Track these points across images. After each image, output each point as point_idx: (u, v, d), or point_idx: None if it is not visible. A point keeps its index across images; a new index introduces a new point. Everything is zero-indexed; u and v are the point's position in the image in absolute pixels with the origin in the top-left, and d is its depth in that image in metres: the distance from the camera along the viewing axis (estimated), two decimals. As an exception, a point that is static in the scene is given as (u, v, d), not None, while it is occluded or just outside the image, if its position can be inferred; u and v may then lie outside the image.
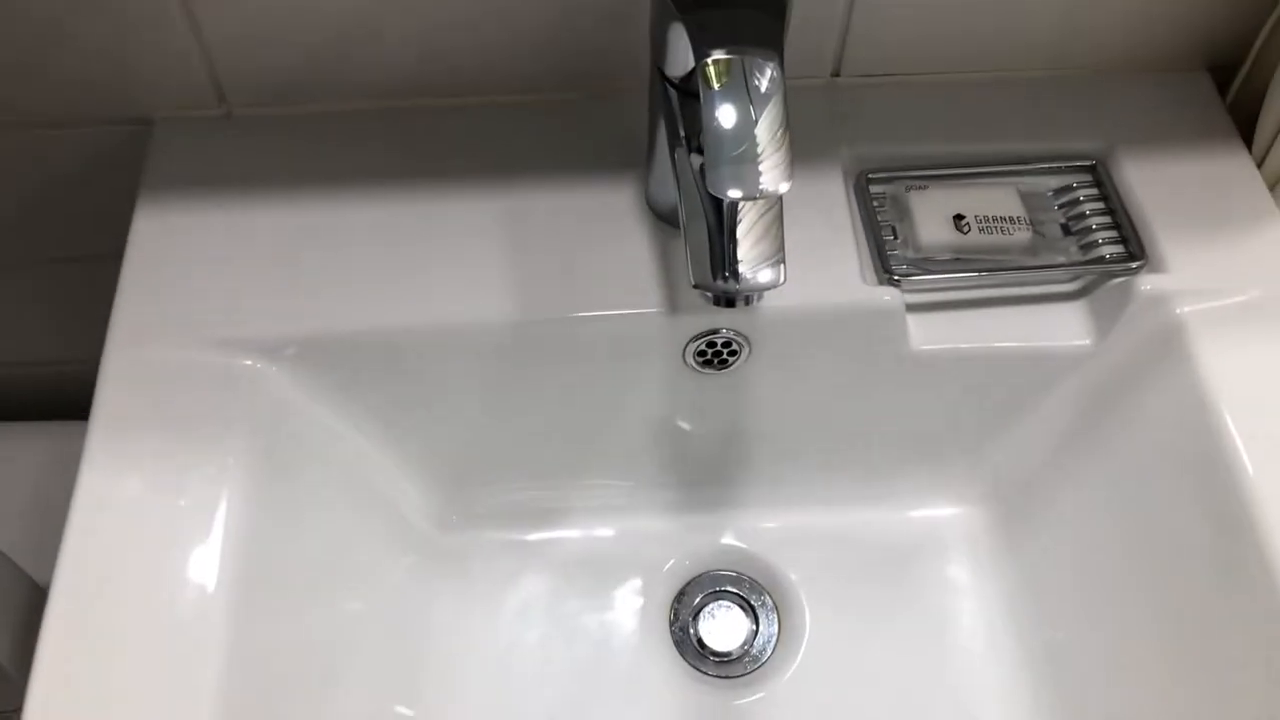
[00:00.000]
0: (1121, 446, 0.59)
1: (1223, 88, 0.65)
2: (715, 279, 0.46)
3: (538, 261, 0.57)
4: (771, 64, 0.42)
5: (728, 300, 0.47)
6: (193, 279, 0.56)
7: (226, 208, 0.59)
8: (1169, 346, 0.56)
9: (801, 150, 0.60)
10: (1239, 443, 0.52)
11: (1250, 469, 0.51)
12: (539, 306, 0.56)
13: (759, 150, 0.41)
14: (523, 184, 0.60)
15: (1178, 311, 0.56)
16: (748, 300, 0.47)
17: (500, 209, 0.59)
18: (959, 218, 0.59)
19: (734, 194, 0.41)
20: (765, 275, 0.46)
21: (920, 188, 0.61)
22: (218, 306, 0.56)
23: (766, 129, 0.41)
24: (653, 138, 0.55)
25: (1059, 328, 0.60)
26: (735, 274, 0.46)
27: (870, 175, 0.61)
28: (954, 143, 0.63)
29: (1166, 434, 0.56)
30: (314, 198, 0.60)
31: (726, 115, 0.41)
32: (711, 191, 0.41)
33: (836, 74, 0.65)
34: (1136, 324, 0.58)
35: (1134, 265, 0.58)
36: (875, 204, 0.61)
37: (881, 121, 0.63)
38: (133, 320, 0.55)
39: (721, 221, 0.46)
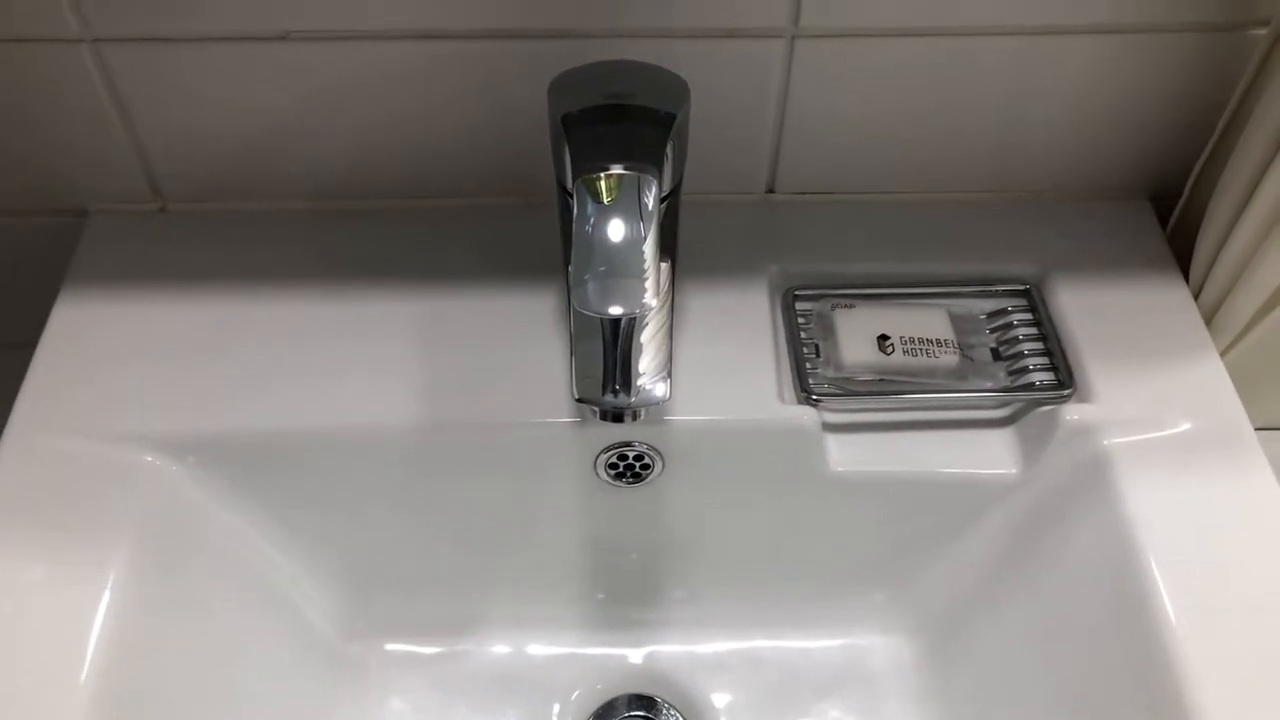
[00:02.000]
0: (1047, 580, 0.56)
1: (1164, 217, 0.64)
2: (602, 394, 0.45)
3: (452, 367, 0.57)
4: (649, 180, 0.42)
5: (615, 415, 0.46)
6: (104, 370, 0.56)
7: (149, 301, 0.59)
8: (1094, 479, 0.54)
9: (729, 265, 0.60)
10: (1160, 585, 0.50)
11: (1171, 613, 0.49)
12: (450, 412, 0.56)
13: (626, 266, 0.40)
14: (445, 288, 0.60)
15: (1105, 443, 0.54)
16: (635, 416, 0.46)
17: (420, 312, 0.59)
18: (883, 338, 0.58)
19: (593, 311, 0.40)
20: (651, 391, 0.45)
21: (847, 306, 0.60)
22: (125, 399, 0.55)
23: (634, 244, 0.40)
24: (565, 251, 0.55)
25: (984, 455, 0.58)
26: (622, 388, 0.45)
27: (797, 292, 0.61)
28: (886, 262, 0.62)
29: (1090, 570, 0.54)
30: (236, 295, 0.59)
31: (598, 225, 0.41)
32: (574, 304, 0.40)
33: (771, 190, 0.64)
34: (1063, 454, 0.56)
35: (1063, 394, 0.56)
36: (800, 321, 0.60)
37: (813, 238, 0.63)
38: (36, 407, 0.55)
39: (609, 339, 0.45)
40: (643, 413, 0.46)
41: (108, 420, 0.54)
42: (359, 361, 0.57)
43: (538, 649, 0.64)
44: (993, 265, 0.62)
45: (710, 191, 0.64)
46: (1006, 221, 0.64)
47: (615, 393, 0.45)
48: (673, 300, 0.47)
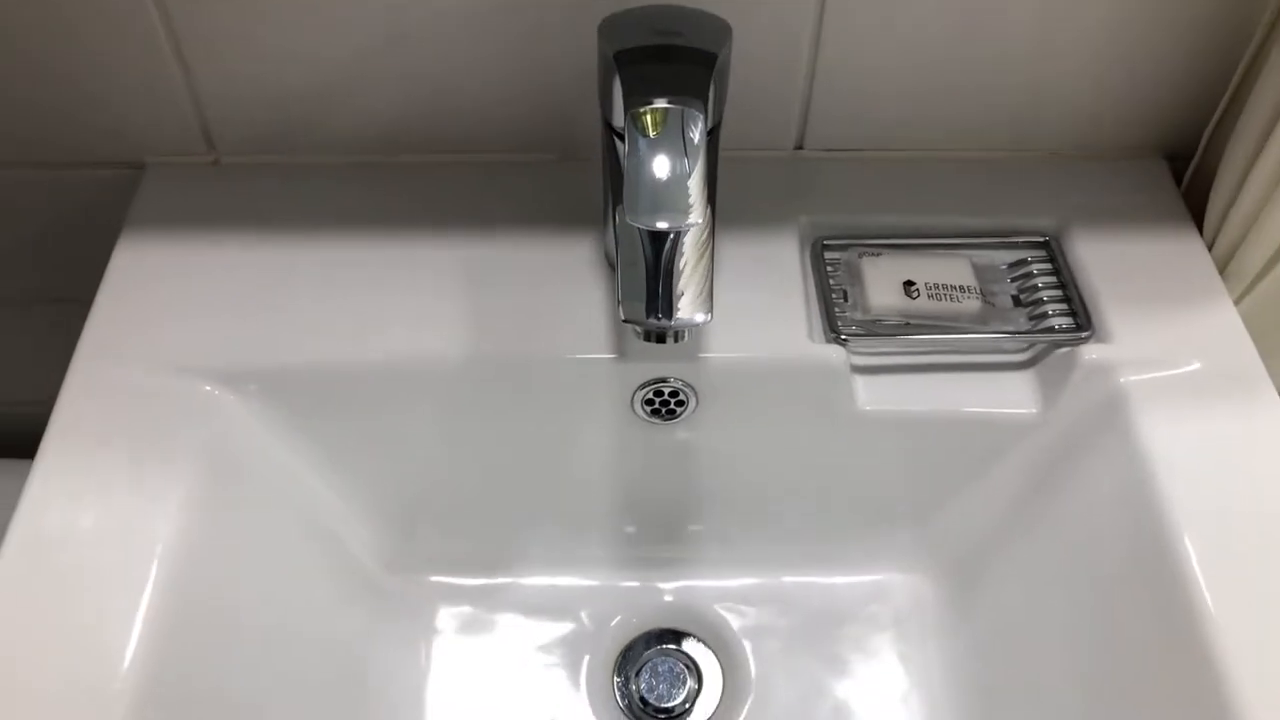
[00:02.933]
0: (1065, 515, 0.59)
1: (1179, 175, 0.67)
2: (646, 315, 0.48)
3: (495, 308, 0.59)
4: (696, 112, 0.44)
5: (658, 336, 0.48)
6: (163, 309, 0.59)
7: (204, 247, 0.62)
8: (1111, 416, 0.57)
9: (760, 216, 0.63)
10: (1177, 517, 0.52)
11: (1189, 544, 0.51)
12: (493, 348, 0.58)
13: (673, 189, 0.42)
14: (487, 237, 0.62)
15: (1121, 381, 0.57)
16: (677, 337, 0.48)
17: (465, 258, 0.62)
18: (909, 284, 0.61)
19: (644, 224, 0.42)
20: (692, 313, 0.47)
21: (874, 254, 0.63)
22: (183, 335, 0.58)
23: (684, 168, 0.43)
24: (607, 193, 0.57)
25: (1006, 395, 0.60)
26: (665, 311, 0.47)
27: (826, 242, 0.63)
28: (911, 215, 0.64)
29: (1108, 505, 0.56)
30: (288, 241, 0.62)
31: (647, 155, 0.43)
32: (628, 220, 0.42)
33: (800, 147, 0.67)
34: (1081, 393, 0.58)
35: (1081, 336, 0.59)
36: (829, 268, 0.62)
37: (841, 192, 0.65)
38: (100, 341, 0.57)
39: (653, 260, 0.48)
40: (685, 334, 0.48)
41: (168, 353, 0.57)
42: (405, 303, 0.59)
43: (574, 582, 0.66)
44: (1013, 219, 0.64)
45: (743, 148, 0.66)
46: (1027, 178, 0.66)
47: (659, 315, 0.47)
48: (713, 232, 0.50)
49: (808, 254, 0.63)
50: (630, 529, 0.66)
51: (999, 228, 0.64)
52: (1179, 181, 0.67)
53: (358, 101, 0.63)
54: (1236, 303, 0.62)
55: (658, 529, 0.66)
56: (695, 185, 0.43)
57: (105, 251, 0.62)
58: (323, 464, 0.61)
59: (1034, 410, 0.60)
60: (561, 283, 0.60)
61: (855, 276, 0.62)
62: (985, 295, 0.61)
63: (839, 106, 0.64)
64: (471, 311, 0.59)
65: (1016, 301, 0.62)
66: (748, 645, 0.64)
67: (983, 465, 0.62)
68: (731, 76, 0.59)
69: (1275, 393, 0.56)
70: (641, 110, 0.44)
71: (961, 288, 0.61)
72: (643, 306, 0.48)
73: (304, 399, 0.58)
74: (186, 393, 0.56)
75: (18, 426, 0.84)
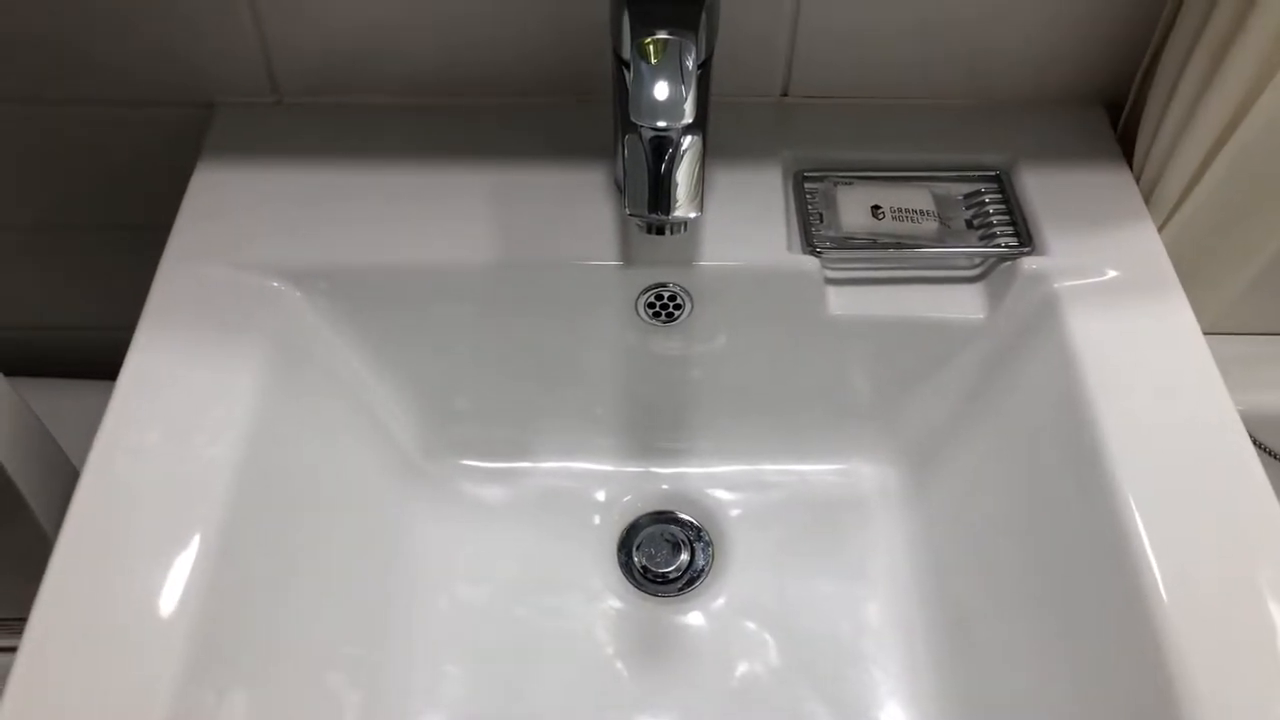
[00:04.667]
0: (1008, 405, 0.68)
1: (1116, 122, 0.77)
2: (648, 211, 0.58)
3: (519, 223, 0.69)
4: (689, 42, 0.54)
5: (658, 229, 0.59)
6: (236, 219, 0.69)
7: (270, 174, 0.72)
8: (1046, 317, 0.66)
9: (749, 152, 0.73)
10: (1096, 398, 0.61)
11: (1105, 421, 0.60)
12: (515, 254, 0.68)
13: (672, 96, 0.53)
14: (515, 166, 0.72)
15: (1055, 287, 0.67)
16: (673, 229, 0.58)
17: (494, 183, 0.72)
18: (876, 207, 0.71)
19: (646, 123, 0.52)
20: (686, 210, 0.57)
21: (847, 184, 0.73)
22: (254, 240, 0.68)
23: (680, 84, 0.53)
24: (617, 124, 0.67)
25: (958, 303, 0.70)
26: (664, 207, 0.57)
27: (805, 174, 0.73)
28: (881, 152, 0.74)
29: (1042, 393, 0.66)
30: (343, 169, 0.72)
31: (649, 74, 0.53)
32: (632, 118, 0.52)
33: (785, 94, 0.77)
34: (1021, 299, 0.68)
35: (1023, 251, 0.69)
36: (808, 195, 0.72)
37: (820, 133, 0.75)
38: (183, 250, 0.67)
39: (654, 163, 0.58)
40: (682, 228, 0.58)
41: (240, 254, 0.67)
42: (443, 219, 0.69)
43: (584, 466, 0.76)
44: (969, 156, 0.74)
45: (734, 95, 0.76)
46: (983, 122, 0.76)
47: (659, 211, 0.58)
48: (704, 146, 0.60)
49: (790, 183, 0.73)
50: (634, 421, 0.76)
51: (957, 163, 0.74)
52: (1115, 127, 0.76)
53: (401, 48, 0.73)
54: (1160, 227, 0.72)
55: (657, 422, 0.76)
56: (689, 100, 0.53)
57: (183, 184, 0.72)
58: (372, 357, 0.71)
59: (981, 316, 0.69)
60: (577, 203, 0.70)
61: (830, 202, 0.72)
62: (943, 219, 0.71)
63: (819, 59, 0.74)
64: (499, 226, 0.69)
65: (970, 225, 0.72)
66: (734, 524, 0.74)
67: (938, 365, 0.72)
68: (723, 32, 0.69)
69: (1184, 298, 0.66)
70: (645, 40, 0.54)
71: (922, 211, 0.71)
72: (645, 203, 0.58)
73: (357, 296, 0.68)
74: (258, 289, 0.66)
75: (104, 349, 0.94)
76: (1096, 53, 0.74)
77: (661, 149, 0.57)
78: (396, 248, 0.68)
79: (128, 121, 0.78)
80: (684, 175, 0.58)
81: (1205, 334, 0.96)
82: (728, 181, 0.72)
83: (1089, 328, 0.64)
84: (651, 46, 0.55)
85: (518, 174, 0.72)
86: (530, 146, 0.74)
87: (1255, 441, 0.88)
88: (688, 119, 0.53)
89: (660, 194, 0.58)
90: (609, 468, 0.77)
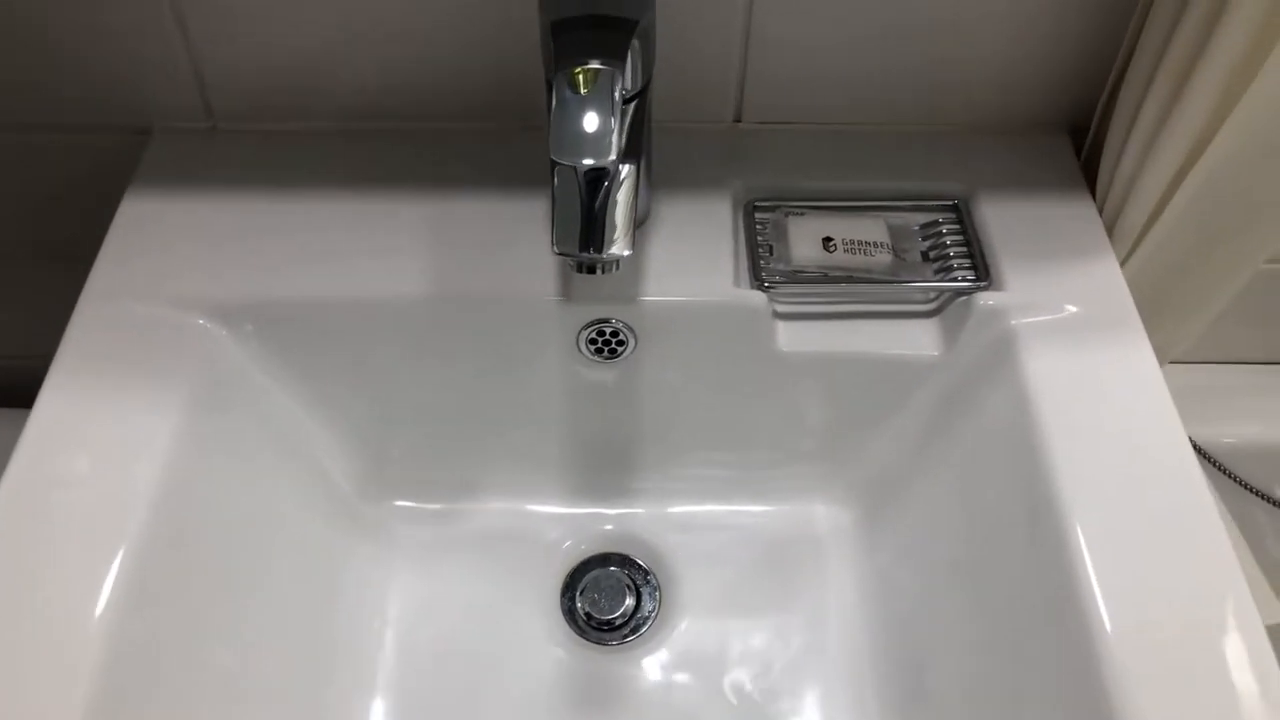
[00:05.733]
0: (963, 446, 0.66)
1: (1080, 148, 0.74)
2: (577, 249, 0.55)
3: (457, 255, 0.67)
4: (615, 72, 0.52)
5: (589, 268, 0.56)
6: (162, 252, 0.66)
7: (201, 200, 0.69)
8: (1002, 354, 0.64)
9: (699, 180, 0.70)
10: (1050, 436, 0.59)
11: (1057, 461, 0.58)
12: (450, 288, 0.65)
13: (595, 133, 0.50)
14: (452, 194, 0.70)
15: (1012, 324, 0.64)
16: (605, 269, 0.56)
17: (429, 213, 0.69)
18: (828, 239, 0.68)
19: (563, 160, 0.50)
20: (621, 247, 0.55)
21: (799, 214, 0.70)
22: (180, 274, 0.65)
23: (603, 116, 0.50)
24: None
25: (913, 339, 0.67)
26: (594, 245, 0.55)
27: (756, 203, 0.71)
28: (836, 180, 0.72)
29: (996, 433, 0.63)
30: (276, 199, 0.70)
31: (570, 104, 0.51)
32: (552, 155, 0.50)
33: (738, 120, 0.74)
34: (977, 336, 0.65)
35: (979, 285, 0.66)
36: (758, 226, 0.70)
37: (773, 160, 0.73)
38: (105, 284, 0.65)
39: (586, 198, 0.55)
40: (614, 267, 0.55)
41: (165, 289, 0.64)
42: (376, 249, 0.67)
43: (526, 508, 0.74)
44: (927, 185, 0.72)
45: (685, 120, 0.74)
46: (941, 149, 0.73)
47: (589, 248, 0.55)
48: (637, 179, 0.57)
49: (740, 213, 0.70)
50: (578, 460, 0.74)
51: (914, 192, 0.71)
52: (1079, 154, 0.74)
53: (339, 74, 0.71)
54: (1124, 260, 0.69)
55: (603, 460, 0.74)
56: (612, 132, 0.50)
57: (113, 211, 0.70)
58: (304, 396, 0.68)
59: (936, 353, 0.67)
60: (516, 234, 0.68)
61: (781, 233, 0.69)
62: (897, 251, 0.69)
63: (772, 84, 0.72)
64: (436, 259, 0.67)
65: (925, 257, 0.69)
66: (683, 567, 0.72)
67: (892, 403, 0.69)
68: (672, 56, 0.67)
69: (1145, 336, 0.63)
70: (572, 70, 0.52)
71: (875, 243, 0.68)
72: (575, 241, 0.55)
73: (287, 333, 0.66)
74: (182, 326, 0.63)
75: (22, 379, 0.91)
76: (1060, 77, 0.72)
77: (595, 183, 0.55)
78: (328, 282, 0.65)
79: (60, 147, 0.76)
80: (616, 211, 0.55)
81: (1180, 363, 0.94)
82: (676, 212, 0.69)
83: (1045, 367, 0.62)
84: (574, 75, 0.52)
85: (456, 204, 0.69)
86: (470, 175, 0.71)
87: (1226, 473, 0.85)
88: (611, 156, 0.50)
89: (591, 231, 0.55)
90: (553, 509, 0.74)
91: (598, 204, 0.55)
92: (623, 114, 0.54)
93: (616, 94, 0.51)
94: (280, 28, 0.68)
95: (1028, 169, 0.72)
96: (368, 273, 0.66)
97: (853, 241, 0.68)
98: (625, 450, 0.73)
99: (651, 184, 0.69)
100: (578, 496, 0.74)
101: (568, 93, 0.51)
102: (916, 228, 0.71)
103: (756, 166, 0.72)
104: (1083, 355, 0.62)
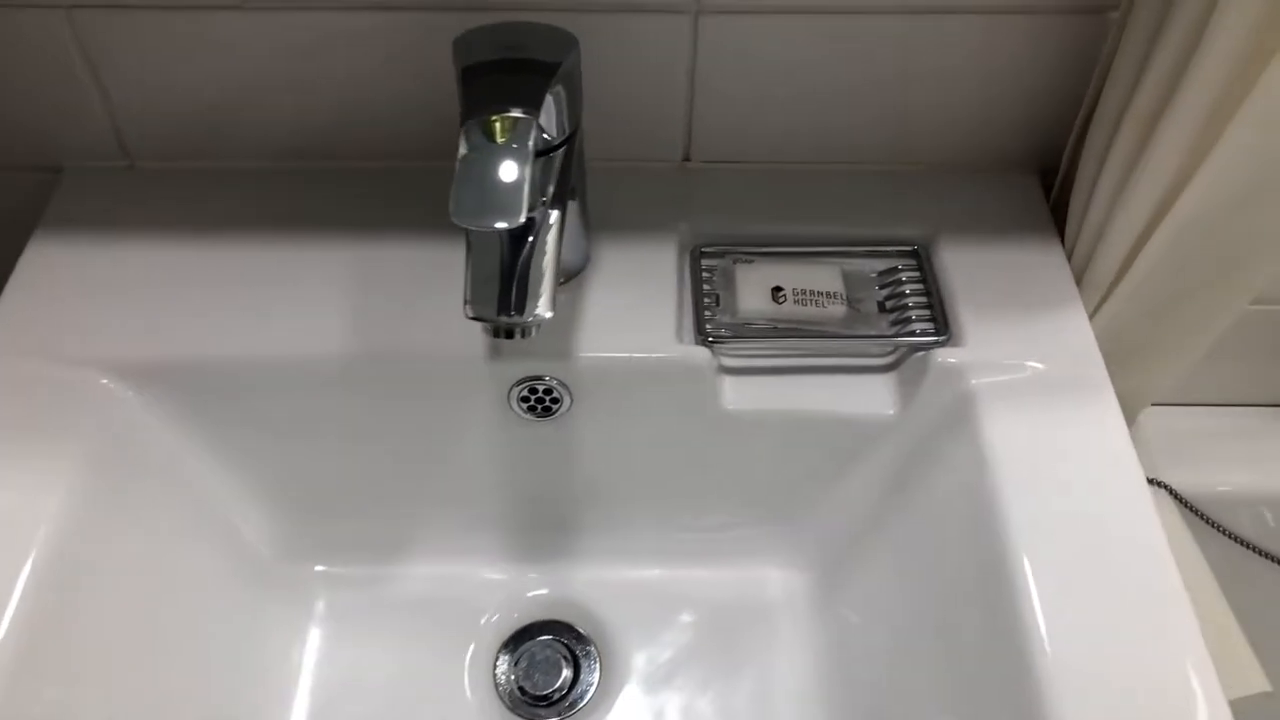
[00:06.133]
0: (918, 513, 0.62)
1: (1051, 190, 0.70)
2: (494, 313, 0.51)
3: (380, 307, 0.62)
4: (531, 121, 0.47)
5: (507, 332, 0.51)
6: (65, 303, 0.62)
7: (111, 248, 0.65)
8: (960, 417, 0.59)
9: (643, 225, 0.66)
10: (1010, 504, 0.55)
11: (1016, 530, 0.53)
12: (376, 345, 0.61)
13: (503, 189, 0.45)
14: (379, 240, 0.66)
15: (972, 383, 0.59)
16: (523, 333, 0.51)
17: (356, 259, 0.65)
18: (777, 289, 0.64)
19: (464, 223, 0.45)
20: (544, 309, 0.50)
21: (747, 261, 0.66)
22: (84, 329, 0.61)
23: (513, 171, 0.46)
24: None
25: (866, 397, 0.63)
26: (515, 308, 0.51)
27: (704, 249, 0.66)
28: (788, 224, 0.67)
29: (952, 501, 0.59)
30: (192, 244, 0.65)
31: (474, 158, 0.46)
32: (452, 217, 0.45)
33: (687, 159, 0.70)
34: (934, 395, 0.61)
35: (938, 340, 0.62)
36: (705, 274, 0.65)
37: (723, 203, 0.68)
38: (3, 334, 0.61)
39: (508, 258, 0.51)
40: (532, 331, 0.51)
41: (67, 344, 0.60)
42: (296, 303, 0.62)
43: (456, 573, 0.69)
44: (886, 229, 0.67)
45: (631, 159, 0.69)
46: (902, 191, 0.69)
47: (505, 310, 0.51)
48: (562, 230, 0.53)
49: (685, 260, 0.66)
50: (512, 522, 0.69)
51: (872, 237, 0.67)
52: (1049, 195, 0.69)
53: (261, 113, 0.66)
54: (1094, 311, 0.65)
55: (539, 521, 0.69)
56: (523, 186, 0.46)
57: (18, 255, 0.65)
58: (216, 459, 0.64)
59: (891, 412, 0.62)
60: (444, 284, 0.63)
61: (728, 281, 0.65)
62: (851, 301, 0.64)
63: (721, 122, 0.67)
64: (358, 311, 0.62)
65: (882, 307, 0.65)
66: (625, 636, 0.67)
67: (846, 464, 0.65)
68: (617, 90, 0.63)
69: (1113, 397, 0.59)
70: (477, 119, 0.47)
71: (828, 294, 0.64)
72: (493, 304, 0.51)
73: (197, 394, 0.61)
74: (84, 385, 0.59)
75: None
76: (1029, 115, 0.67)
77: (519, 238, 0.50)
78: (244, 339, 0.61)
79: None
80: (539, 268, 0.51)
81: (1166, 405, 0.89)
82: (617, 258, 0.65)
83: (1006, 429, 0.57)
84: (493, 126, 0.48)
85: (382, 249, 0.65)
86: (397, 218, 0.67)
87: (1215, 525, 0.81)
88: (520, 216, 0.45)
89: (509, 291, 0.51)
90: (485, 573, 0.70)
91: (521, 260, 0.51)
92: (544, 164, 0.50)
93: (530, 144, 0.47)
94: (195, 68, 0.63)
95: (993, 212, 0.68)
96: (286, 328, 0.61)
97: (804, 292, 0.64)
98: (563, 511, 0.69)
99: (589, 230, 0.64)
100: (512, 560, 0.70)
101: (474, 146, 0.47)
102: (873, 275, 0.66)
103: (705, 209, 0.68)
104: (1046, 418, 0.58)
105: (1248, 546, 0.85)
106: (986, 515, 0.55)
